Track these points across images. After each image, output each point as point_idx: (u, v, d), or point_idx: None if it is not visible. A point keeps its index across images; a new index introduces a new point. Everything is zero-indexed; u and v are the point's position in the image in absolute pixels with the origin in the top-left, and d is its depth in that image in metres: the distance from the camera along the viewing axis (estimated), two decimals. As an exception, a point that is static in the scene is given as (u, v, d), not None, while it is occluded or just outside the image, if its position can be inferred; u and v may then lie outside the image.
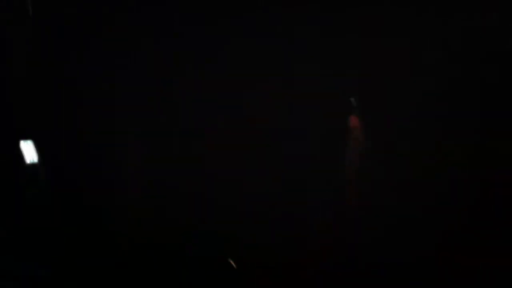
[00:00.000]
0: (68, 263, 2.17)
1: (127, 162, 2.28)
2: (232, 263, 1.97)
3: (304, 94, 2.37)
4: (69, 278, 2.16)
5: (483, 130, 2.32)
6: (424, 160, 2.33)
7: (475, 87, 2.35)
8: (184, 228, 2.21)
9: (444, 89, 2.35)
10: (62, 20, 2.31)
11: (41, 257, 2.17)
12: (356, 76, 2.36)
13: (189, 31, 2.34)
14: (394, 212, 2.27)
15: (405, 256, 2.22)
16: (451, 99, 2.34)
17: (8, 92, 2.25)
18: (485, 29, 2.37)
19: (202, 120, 2.32)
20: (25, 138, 2.21)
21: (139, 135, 2.28)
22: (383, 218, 2.27)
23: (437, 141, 2.33)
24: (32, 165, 2.10)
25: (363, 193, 2.29)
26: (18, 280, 2.00)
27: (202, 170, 2.28)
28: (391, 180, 2.32)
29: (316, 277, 2.21)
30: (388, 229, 2.25)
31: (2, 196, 2.20)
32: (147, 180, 2.29)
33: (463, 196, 2.27)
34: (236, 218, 2.24)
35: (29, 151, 2.10)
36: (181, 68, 2.31)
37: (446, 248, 2.22)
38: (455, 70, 2.35)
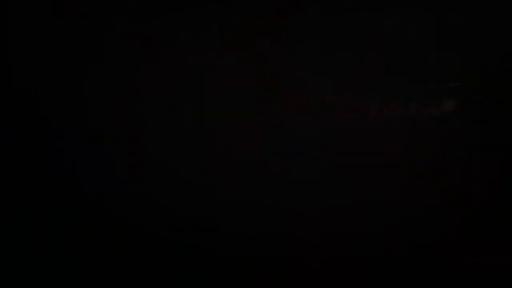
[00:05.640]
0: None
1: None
2: None
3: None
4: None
5: (484, 128, 2.33)
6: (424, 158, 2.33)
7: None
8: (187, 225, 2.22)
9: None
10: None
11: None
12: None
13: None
14: (394, 209, 2.27)
15: (404, 255, 2.23)
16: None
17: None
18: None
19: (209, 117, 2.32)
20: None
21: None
22: (382, 216, 2.28)
23: (437, 139, 2.34)
24: None
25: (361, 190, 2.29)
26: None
27: (203, 166, 2.28)
28: (390, 178, 2.32)
29: (315, 275, 2.22)
30: (387, 227, 2.26)
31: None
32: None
33: (463, 194, 2.28)
34: (236, 216, 2.25)
35: None
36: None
37: (446, 248, 2.23)
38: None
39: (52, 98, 2.28)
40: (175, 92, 2.31)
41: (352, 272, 2.21)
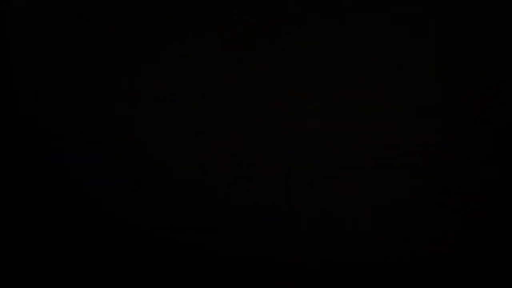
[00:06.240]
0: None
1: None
2: None
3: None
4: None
5: (485, 127, 2.33)
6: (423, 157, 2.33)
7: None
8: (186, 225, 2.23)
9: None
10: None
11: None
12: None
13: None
14: (393, 210, 2.28)
15: (404, 254, 2.23)
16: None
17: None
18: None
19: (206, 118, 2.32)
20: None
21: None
22: (382, 216, 2.28)
23: (436, 138, 2.34)
24: None
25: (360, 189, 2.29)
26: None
27: (203, 166, 2.28)
28: (389, 177, 2.32)
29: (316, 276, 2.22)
30: (387, 227, 2.26)
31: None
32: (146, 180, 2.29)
33: (463, 193, 2.28)
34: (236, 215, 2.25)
35: None
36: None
37: (446, 247, 2.23)
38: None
39: (51, 98, 2.28)
40: (175, 92, 2.31)
41: (351, 272, 2.21)
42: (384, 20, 2.34)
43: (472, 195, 2.28)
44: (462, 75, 2.34)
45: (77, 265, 2.19)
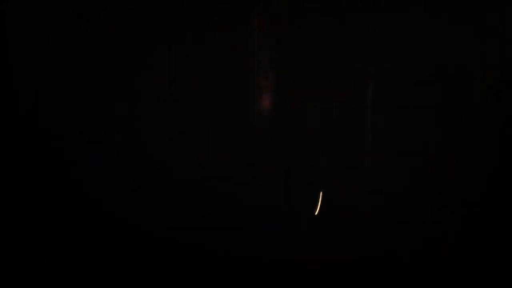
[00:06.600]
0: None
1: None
2: None
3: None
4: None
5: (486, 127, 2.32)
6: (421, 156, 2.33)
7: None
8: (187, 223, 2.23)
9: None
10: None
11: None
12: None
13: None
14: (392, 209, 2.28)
15: (404, 254, 2.24)
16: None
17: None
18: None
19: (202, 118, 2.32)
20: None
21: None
22: (381, 215, 2.28)
23: (436, 138, 2.34)
24: None
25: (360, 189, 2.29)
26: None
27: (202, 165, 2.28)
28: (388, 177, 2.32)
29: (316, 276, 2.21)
30: (386, 226, 2.26)
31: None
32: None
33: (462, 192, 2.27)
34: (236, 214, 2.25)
35: None
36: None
37: (446, 247, 2.23)
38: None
39: (51, 98, 2.28)
40: (175, 92, 2.31)
41: (352, 272, 2.21)
42: (384, 20, 2.34)
43: (472, 195, 2.28)
44: (462, 75, 2.34)
45: (77, 265, 2.19)
